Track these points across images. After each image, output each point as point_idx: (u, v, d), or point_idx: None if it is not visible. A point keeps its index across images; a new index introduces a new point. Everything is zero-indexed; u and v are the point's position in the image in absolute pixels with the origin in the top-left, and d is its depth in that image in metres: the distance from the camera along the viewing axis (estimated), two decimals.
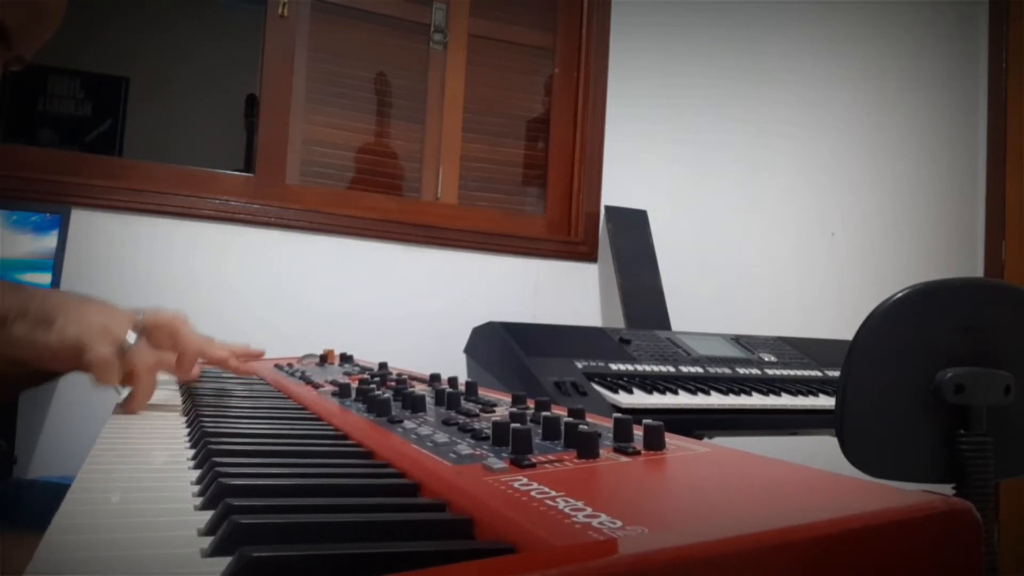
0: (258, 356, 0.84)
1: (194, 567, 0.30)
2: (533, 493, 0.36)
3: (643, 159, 2.40)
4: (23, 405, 1.68)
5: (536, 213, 2.40)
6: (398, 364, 1.11)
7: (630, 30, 2.40)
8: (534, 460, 0.42)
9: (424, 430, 0.54)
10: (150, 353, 0.73)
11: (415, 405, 0.64)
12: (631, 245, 2.17)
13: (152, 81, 3.30)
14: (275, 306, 1.97)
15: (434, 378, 0.85)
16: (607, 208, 2.24)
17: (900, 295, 0.97)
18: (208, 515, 0.36)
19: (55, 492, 0.88)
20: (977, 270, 2.75)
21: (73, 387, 1.74)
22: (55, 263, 1.69)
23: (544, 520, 0.32)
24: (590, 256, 2.32)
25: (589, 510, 0.32)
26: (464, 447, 0.47)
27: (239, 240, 1.97)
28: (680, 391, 1.40)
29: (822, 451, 1.16)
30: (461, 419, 0.57)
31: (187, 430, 0.64)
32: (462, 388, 0.74)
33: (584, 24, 2.39)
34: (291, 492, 0.41)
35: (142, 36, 3.24)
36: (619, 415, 0.49)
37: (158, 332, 0.76)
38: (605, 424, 0.53)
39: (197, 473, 0.47)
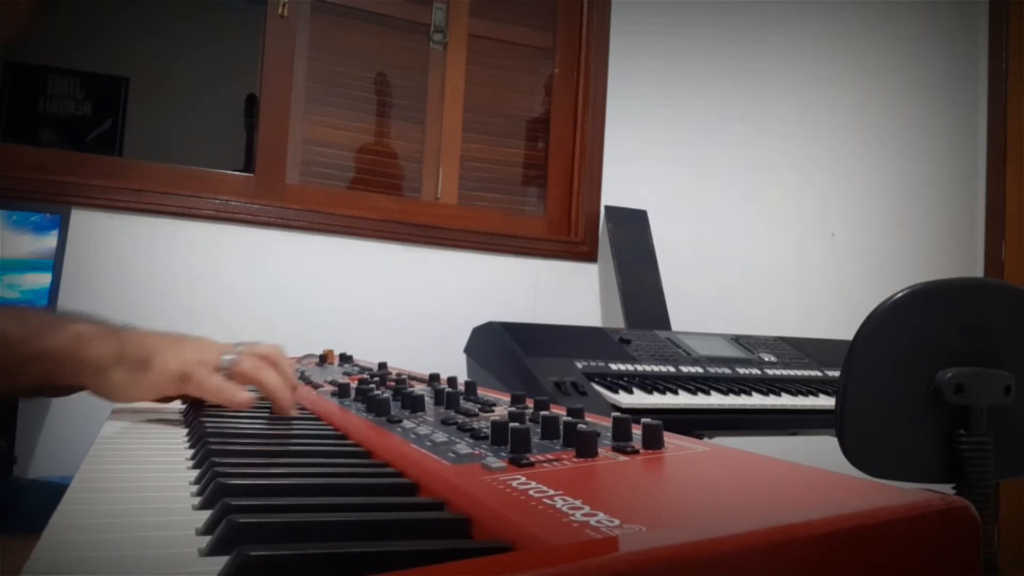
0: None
1: (192, 566, 0.30)
2: (531, 492, 0.36)
3: (643, 159, 2.40)
4: (23, 405, 1.68)
5: (536, 213, 2.40)
6: (398, 364, 1.11)
7: (630, 30, 2.40)
8: (532, 459, 0.42)
9: (423, 430, 0.54)
10: (250, 356, 0.74)
11: (414, 405, 0.64)
12: (631, 245, 2.17)
13: (152, 81, 3.30)
14: (275, 306, 1.97)
15: (433, 378, 0.85)
16: (607, 208, 2.24)
17: (900, 295, 0.97)
18: (206, 514, 0.36)
19: (54, 492, 0.87)
20: (977, 270, 2.75)
21: None
22: (55, 263, 1.69)
23: (542, 519, 0.32)
24: (590, 256, 2.32)
25: (587, 509, 0.32)
26: (463, 446, 0.47)
27: (239, 240, 1.97)
28: (680, 391, 1.40)
29: (822, 451, 1.16)
30: (460, 419, 0.57)
31: (186, 430, 0.64)
32: (461, 388, 0.74)
33: (584, 24, 2.39)
34: (289, 491, 0.41)
35: (142, 36, 3.24)
36: (618, 414, 0.49)
37: (251, 359, 0.75)
38: (604, 423, 0.53)
39: (196, 472, 0.47)
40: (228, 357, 0.73)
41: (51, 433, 1.74)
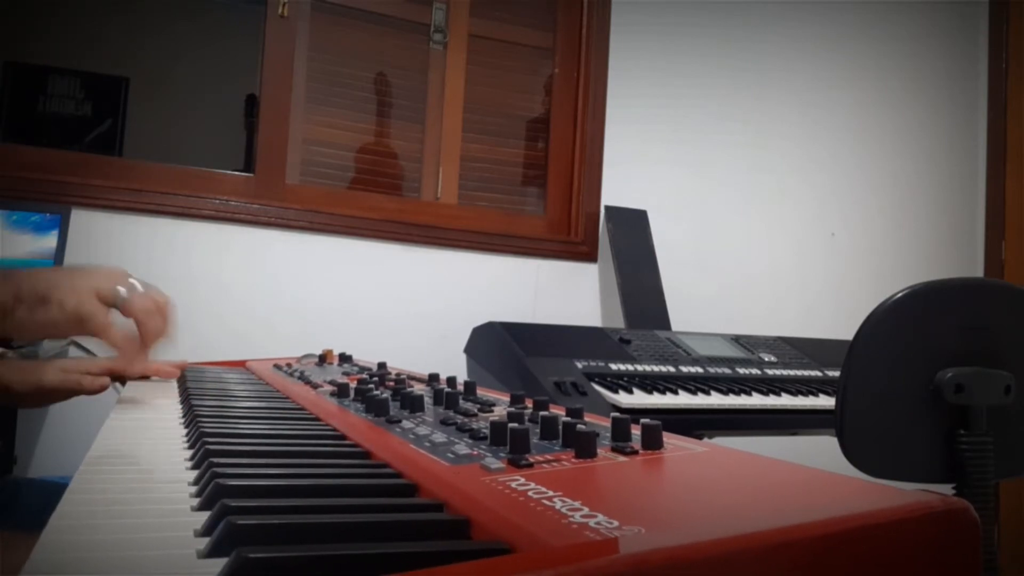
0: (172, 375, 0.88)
1: (191, 568, 0.30)
2: (530, 493, 0.36)
3: (643, 159, 2.40)
4: None
5: (536, 213, 2.40)
6: (398, 364, 1.11)
7: (630, 30, 2.40)
8: (532, 460, 0.42)
9: (422, 430, 0.54)
10: (143, 297, 0.77)
11: (413, 405, 0.64)
12: (631, 245, 2.17)
13: (152, 81, 3.29)
14: (275, 306, 1.97)
15: (433, 378, 0.85)
16: (607, 208, 2.24)
17: (900, 295, 0.97)
18: (205, 516, 0.36)
19: (52, 491, 0.87)
20: (977, 270, 2.75)
21: None
22: (55, 263, 1.69)
23: (541, 520, 0.32)
24: (590, 256, 2.32)
25: (586, 510, 0.32)
26: (462, 447, 0.47)
27: (239, 240, 1.97)
28: (680, 391, 1.40)
29: (822, 451, 1.16)
30: (459, 419, 0.57)
31: (185, 431, 0.64)
32: (461, 388, 0.74)
33: (584, 24, 2.39)
34: (288, 492, 0.41)
35: (142, 36, 3.24)
36: (617, 415, 0.49)
37: (144, 299, 0.79)
38: (604, 424, 0.53)
39: (195, 473, 0.47)
40: (122, 290, 0.75)
41: (51, 433, 1.74)
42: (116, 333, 0.73)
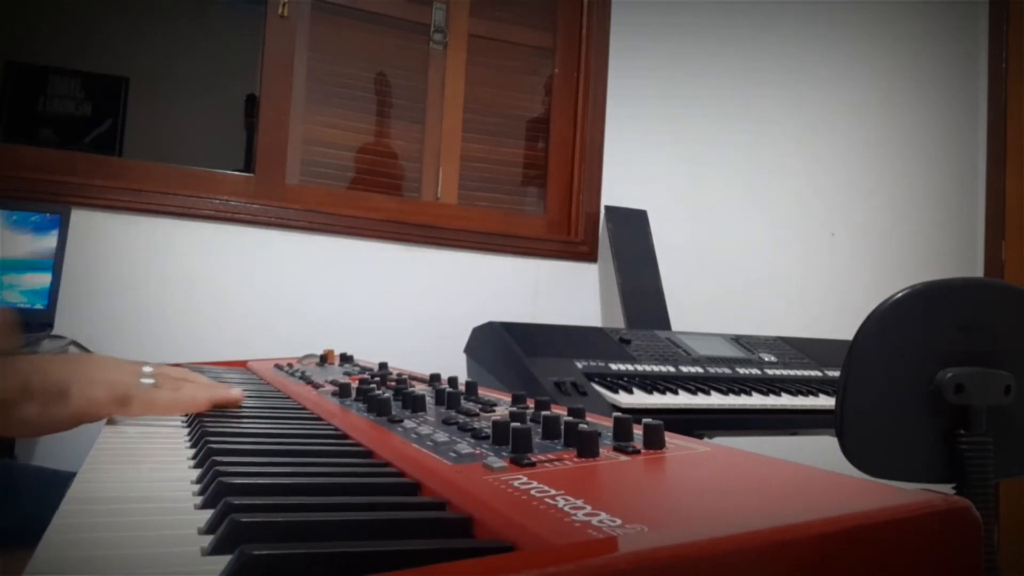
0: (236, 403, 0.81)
1: (194, 566, 0.30)
2: (533, 492, 0.36)
3: (643, 159, 2.40)
4: None
5: (536, 213, 2.40)
6: (398, 364, 1.11)
7: (630, 30, 2.40)
8: (534, 459, 0.42)
9: (424, 429, 0.55)
10: (168, 380, 0.72)
11: (415, 405, 0.64)
12: (631, 245, 2.17)
13: (152, 81, 3.30)
14: (275, 306, 1.97)
15: (434, 378, 0.85)
16: (607, 208, 2.24)
17: (900, 295, 0.97)
18: (208, 514, 0.36)
19: (49, 478, 0.87)
20: (977, 270, 2.75)
21: None
22: (55, 263, 1.69)
23: (544, 519, 0.32)
24: (590, 256, 2.32)
25: (589, 508, 0.32)
26: (464, 446, 0.47)
27: (239, 240, 1.97)
28: (680, 391, 1.40)
29: (822, 451, 1.16)
30: (461, 419, 0.57)
31: (187, 429, 0.64)
32: (462, 388, 0.74)
33: (584, 24, 2.39)
34: (291, 491, 0.41)
35: (142, 36, 3.24)
36: (619, 414, 0.49)
37: (166, 379, 0.73)
38: (605, 423, 0.53)
39: (197, 472, 0.47)
40: (148, 381, 0.70)
41: None
42: (163, 397, 0.68)
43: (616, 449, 0.45)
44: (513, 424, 0.45)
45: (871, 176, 2.68)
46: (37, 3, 3.06)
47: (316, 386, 0.87)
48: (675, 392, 1.39)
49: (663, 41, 2.44)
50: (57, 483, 0.79)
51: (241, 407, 0.74)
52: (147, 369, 0.73)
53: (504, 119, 2.38)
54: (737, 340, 1.76)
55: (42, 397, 0.65)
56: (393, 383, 0.82)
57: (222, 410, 0.71)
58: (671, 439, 0.47)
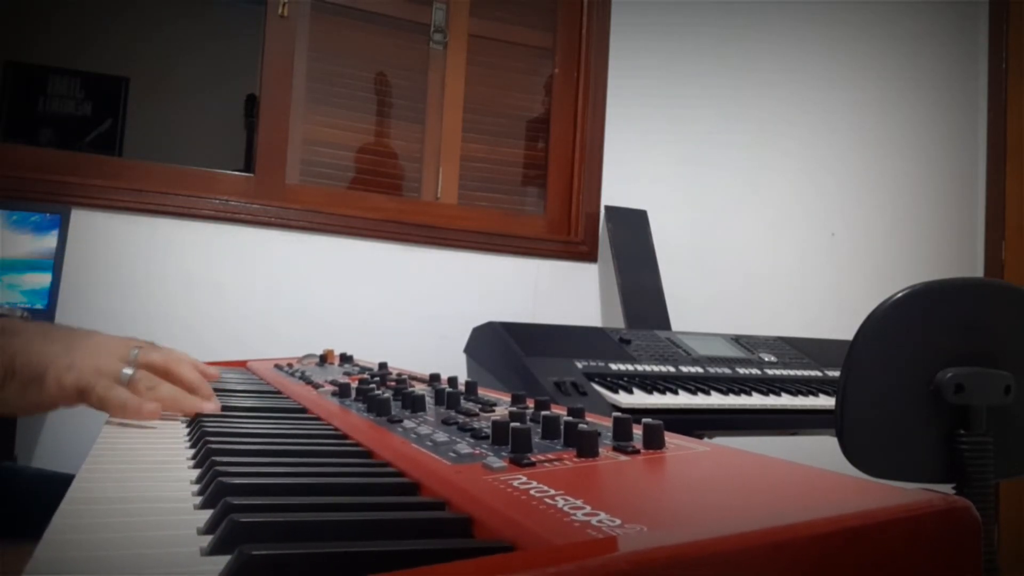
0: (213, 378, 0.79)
1: (194, 566, 0.30)
2: (532, 492, 0.36)
3: (643, 159, 2.40)
4: None
5: (536, 213, 2.40)
6: (397, 364, 1.11)
7: (630, 30, 2.40)
8: (533, 459, 0.42)
9: (424, 429, 0.55)
10: (145, 377, 0.70)
11: (415, 405, 0.64)
12: (631, 245, 2.17)
13: (152, 81, 3.30)
14: (275, 306, 1.97)
15: (434, 378, 0.85)
16: (607, 208, 2.24)
17: (900, 295, 0.97)
18: (208, 514, 0.36)
19: (49, 479, 0.87)
20: (977, 270, 2.75)
21: None
22: (55, 263, 1.69)
23: (543, 518, 0.32)
24: (590, 256, 2.32)
25: (588, 508, 0.32)
26: (464, 446, 0.47)
27: (239, 240, 1.97)
28: (680, 391, 1.40)
29: (822, 451, 1.16)
30: (461, 418, 0.57)
31: (187, 429, 0.64)
32: (462, 388, 0.74)
33: (584, 24, 2.39)
34: (291, 491, 0.41)
35: (142, 36, 3.24)
36: (618, 414, 0.49)
37: (153, 370, 0.72)
38: (605, 423, 0.53)
39: (197, 472, 0.47)
40: (127, 372, 0.69)
41: (51, 433, 1.74)
42: (117, 399, 0.66)
43: (616, 449, 0.45)
44: (513, 424, 0.45)
45: (871, 176, 2.68)
46: (37, 3, 3.06)
47: (316, 386, 0.87)
48: (675, 392, 1.39)
49: (663, 41, 2.44)
50: (57, 483, 0.79)
51: (240, 406, 0.74)
52: (134, 352, 0.72)
53: (504, 119, 2.38)
54: (737, 340, 1.76)
55: (22, 379, 0.67)
56: (393, 383, 0.82)
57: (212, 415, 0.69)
58: (671, 439, 0.47)
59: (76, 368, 0.67)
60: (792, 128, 2.58)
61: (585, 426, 0.46)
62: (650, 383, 1.43)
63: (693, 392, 1.40)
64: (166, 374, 0.72)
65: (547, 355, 1.45)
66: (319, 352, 1.26)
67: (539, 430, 0.50)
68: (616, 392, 1.35)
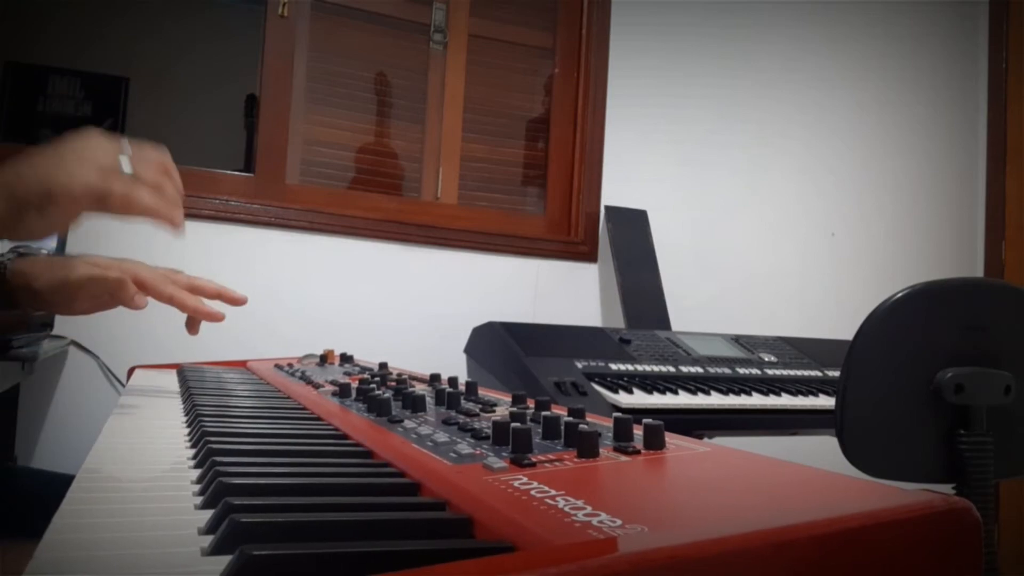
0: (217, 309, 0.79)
1: (194, 566, 0.30)
2: (533, 492, 0.36)
3: (643, 159, 2.40)
4: (25, 402, 1.68)
5: (536, 213, 2.40)
6: (397, 364, 1.11)
7: (630, 30, 2.40)
8: (534, 459, 0.42)
9: (424, 430, 0.55)
10: (148, 166, 0.70)
11: (415, 405, 0.64)
12: (631, 245, 2.17)
13: (152, 81, 3.29)
14: (275, 306, 1.97)
15: (434, 378, 0.85)
16: (607, 208, 2.24)
17: (900, 295, 0.97)
18: (208, 514, 0.36)
19: (49, 480, 0.87)
20: (977, 270, 2.75)
21: (75, 385, 1.74)
22: None
23: (544, 519, 0.32)
24: (590, 256, 2.32)
25: (589, 509, 0.32)
26: (464, 446, 0.47)
27: (239, 240, 1.97)
28: (680, 391, 1.40)
29: (822, 451, 1.16)
30: (461, 419, 0.57)
31: (187, 430, 0.64)
32: (462, 388, 0.74)
33: (584, 24, 2.39)
34: (291, 491, 0.41)
35: (142, 36, 3.24)
36: (619, 415, 0.49)
37: (147, 166, 0.70)
38: (605, 424, 0.53)
39: (197, 472, 0.47)
40: (127, 168, 0.67)
41: (52, 432, 1.74)
42: (141, 195, 0.64)
43: (616, 449, 0.45)
44: (513, 424, 0.45)
45: (871, 176, 2.68)
46: (37, 3, 3.06)
47: (316, 386, 0.87)
48: (675, 392, 1.39)
49: (663, 41, 2.44)
50: (57, 483, 0.79)
51: (241, 406, 0.74)
52: (124, 159, 0.70)
53: (504, 119, 2.38)
54: (737, 340, 1.77)
55: (34, 205, 0.64)
56: (393, 383, 0.82)
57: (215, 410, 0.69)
58: (671, 439, 0.47)
59: (77, 174, 0.65)
60: (792, 128, 2.58)
61: (586, 426, 0.46)
62: (650, 383, 1.43)
63: (693, 392, 1.40)
64: (168, 176, 0.72)
65: (547, 355, 1.45)
66: (319, 352, 1.26)
67: (539, 430, 0.50)
68: (616, 392, 1.35)
